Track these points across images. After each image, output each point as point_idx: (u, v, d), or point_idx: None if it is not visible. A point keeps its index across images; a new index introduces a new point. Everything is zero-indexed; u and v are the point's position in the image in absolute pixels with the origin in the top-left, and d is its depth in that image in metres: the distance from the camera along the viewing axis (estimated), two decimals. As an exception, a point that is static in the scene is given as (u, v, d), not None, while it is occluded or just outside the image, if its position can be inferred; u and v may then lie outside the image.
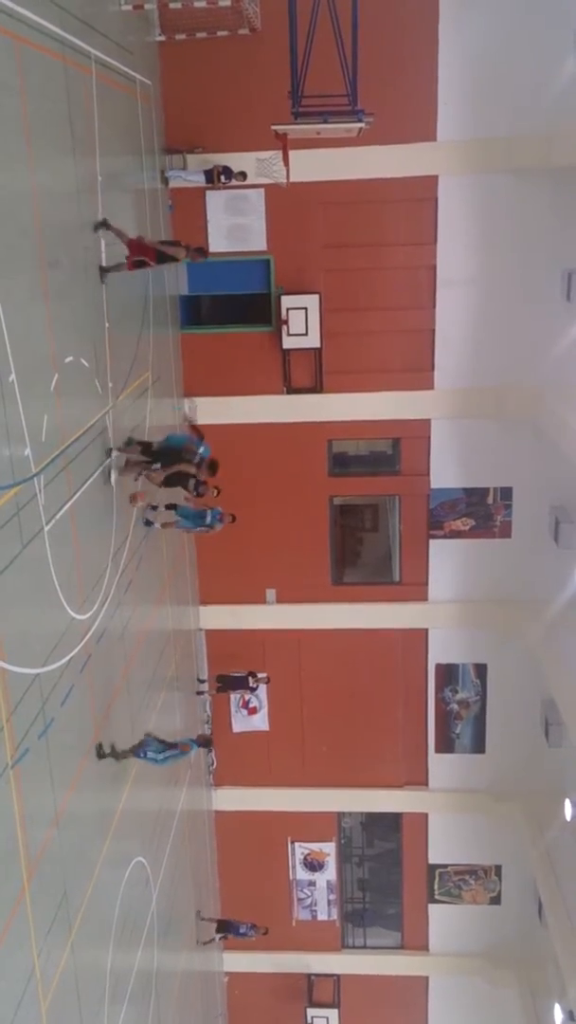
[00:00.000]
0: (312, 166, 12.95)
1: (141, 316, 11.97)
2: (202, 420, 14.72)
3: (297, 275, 14.10)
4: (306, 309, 13.88)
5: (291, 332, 13.97)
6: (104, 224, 9.86)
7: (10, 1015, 7.00)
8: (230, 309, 15.31)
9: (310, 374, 14.44)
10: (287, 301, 13.96)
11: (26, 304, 7.80)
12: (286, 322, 13.96)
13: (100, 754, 9.54)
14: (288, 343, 14.14)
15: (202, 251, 10.90)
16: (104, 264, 9.89)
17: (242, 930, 16.26)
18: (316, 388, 14.49)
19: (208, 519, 12.38)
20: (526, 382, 14.00)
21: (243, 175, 13.22)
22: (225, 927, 16.20)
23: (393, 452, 15.19)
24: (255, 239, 13.95)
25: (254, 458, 15.07)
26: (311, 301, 13.93)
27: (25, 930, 7.33)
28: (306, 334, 13.97)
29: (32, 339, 7.89)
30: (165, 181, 13.32)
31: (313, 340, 14.08)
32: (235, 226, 13.85)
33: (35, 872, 7.53)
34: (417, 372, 14.38)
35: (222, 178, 13.14)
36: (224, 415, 14.75)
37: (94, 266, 9.73)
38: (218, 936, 16.17)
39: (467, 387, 14.32)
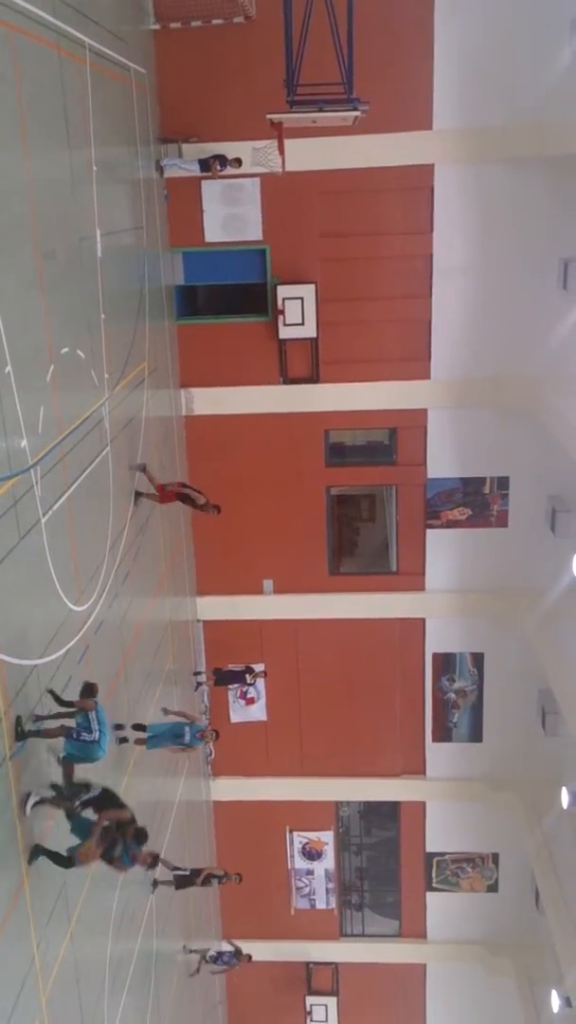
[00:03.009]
0: (308, 155, 12.93)
1: (137, 307, 11.94)
2: (199, 410, 14.70)
3: (293, 265, 14.05)
4: (302, 299, 13.84)
5: (287, 322, 13.94)
6: (142, 468, 11.69)
7: (10, 1005, 7.03)
8: (226, 299, 15.27)
9: (306, 364, 14.41)
10: (283, 291, 13.92)
11: (22, 295, 7.78)
12: (282, 312, 13.92)
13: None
14: (284, 333, 14.10)
15: (218, 508, 12.59)
16: (138, 490, 11.70)
17: (225, 959, 16.07)
18: (313, 378, 14.47)
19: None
20: (523, 372, 13.99)
21: (239, 161, 13.17)
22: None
23: (390, 442, 15.17)
24: (251, 229, 13.90)
25: (251, 449, 15.06)
26: (307, 291, 13.89)
27: (25, 921, 7.35)
28: (302, 324, 13.94)
29: (28, 330, 7.87)
30: (160, 170, 13.26)
31: (309, 330, 14.05)
32: (231, 216, 13.80)
33: (35, 862, 7.55)
34: (414, 362, 14.36)
35: (218, 165, 13.08)
36: (221, 406, 14.73)
37: (90, 256, 9.70)
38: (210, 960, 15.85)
39: (463, 377, 14.31)
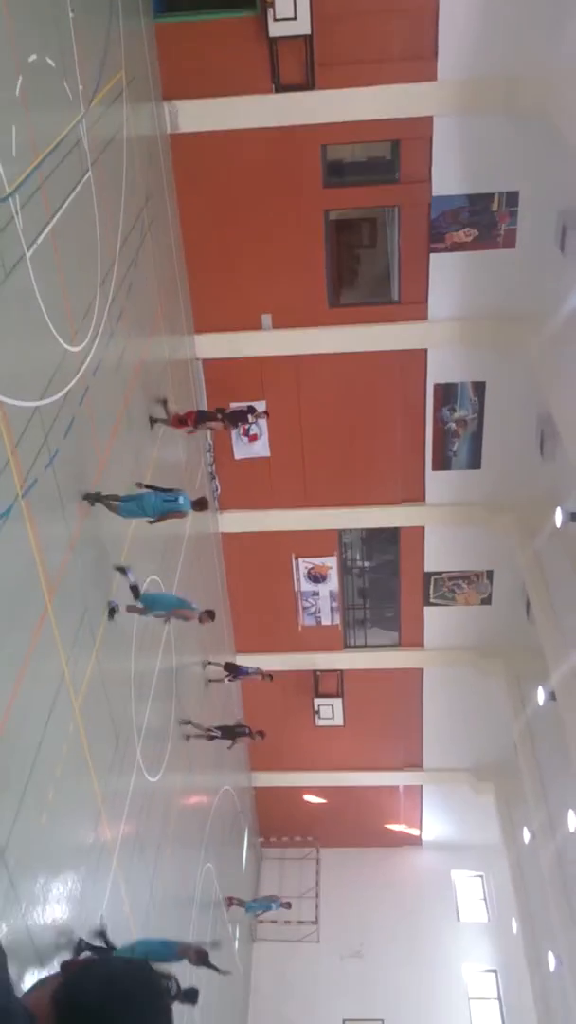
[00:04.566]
0: None
1: (109, 2, 10.55)
2: (184, 127, 13.47)
3: (282, -56, 12.24)
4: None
5: (278, 16, 12.37)
6: (163, 403, 12.36)
7: (46, 712, 7.72)
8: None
9: (300, 67, 12.96)
10: (272, -23, 12.21)
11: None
12: (272, 4, 12.32)
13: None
14: (275, 30, 12.56)
15: (235, 423, 13.85)
16: (152, 416, 12.08)
17: (250, 671, 17.54)
18: (308, 84, 13.06)
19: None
20: (538, 68, 12.58)
21: None
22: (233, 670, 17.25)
23: (392, 157, 14.05)
24: None
25: (243, 171, 13.98)
26: (299, -25, 12.20)
27: (51, 641, 7.87)
28: (295, 18, 12.39)
29: (-13, 32, 6.98)
30: None
31: (303, 25, 12.50)
32: None
33: (56, 591, 7.95)
34: (418, 60, 12.91)
35: None
36: (208, 120, 13.45)
37: None
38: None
39: (473, 76, 12.92)
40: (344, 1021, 20.18)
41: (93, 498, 9.10)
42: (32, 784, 7.23)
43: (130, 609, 10.06)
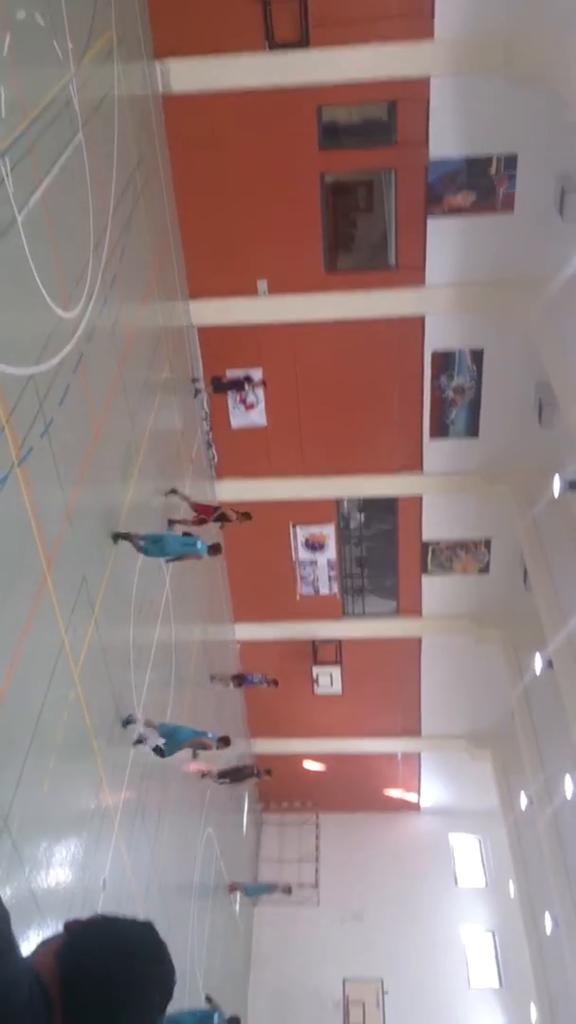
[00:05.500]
0: None
1: (97, -42, 10.30)
2: (177, 88, 13.21)
3: None
4: None
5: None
6: (174, 491, 13.00)
7: (47, 680, 7.72)
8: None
9: (295, 24, 12.71)
10: None
11: None
12: (265, -39, 12.06)
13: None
14: (268, -12, 12.33)
15: (248, 515, 13.94)
16: (171, 519, 12.76)
17: (255, 680, 18.02)
18: (302, 42, 12.81)
19: None
20: (537, 30, 12.35)
21: None
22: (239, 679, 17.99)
23: (389, 119, 13.82)
24: None
25: (237, 133, 13.75)
26: None
27: (50, 609, 7.86)
28: (288, -26, 12.14)
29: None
30: None
31: (296, -19, 12.27)
32: None
33: (54, 560, 7.92)
34: (415, 18, 12.63)
35: None
36: (200, 80, 13.18)
37: None
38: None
39: (471, 36, 12.64)
40: (344, 980, 20.49)
41: (120, 536, 10.03)
42: (33, 751, 7.24)
43: (154, 749, 10.71)
